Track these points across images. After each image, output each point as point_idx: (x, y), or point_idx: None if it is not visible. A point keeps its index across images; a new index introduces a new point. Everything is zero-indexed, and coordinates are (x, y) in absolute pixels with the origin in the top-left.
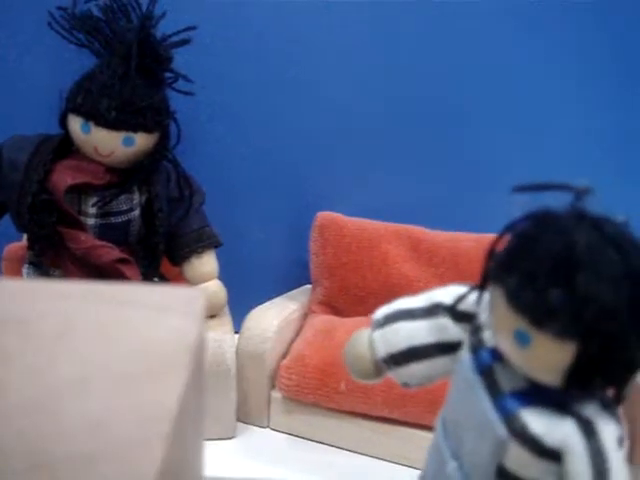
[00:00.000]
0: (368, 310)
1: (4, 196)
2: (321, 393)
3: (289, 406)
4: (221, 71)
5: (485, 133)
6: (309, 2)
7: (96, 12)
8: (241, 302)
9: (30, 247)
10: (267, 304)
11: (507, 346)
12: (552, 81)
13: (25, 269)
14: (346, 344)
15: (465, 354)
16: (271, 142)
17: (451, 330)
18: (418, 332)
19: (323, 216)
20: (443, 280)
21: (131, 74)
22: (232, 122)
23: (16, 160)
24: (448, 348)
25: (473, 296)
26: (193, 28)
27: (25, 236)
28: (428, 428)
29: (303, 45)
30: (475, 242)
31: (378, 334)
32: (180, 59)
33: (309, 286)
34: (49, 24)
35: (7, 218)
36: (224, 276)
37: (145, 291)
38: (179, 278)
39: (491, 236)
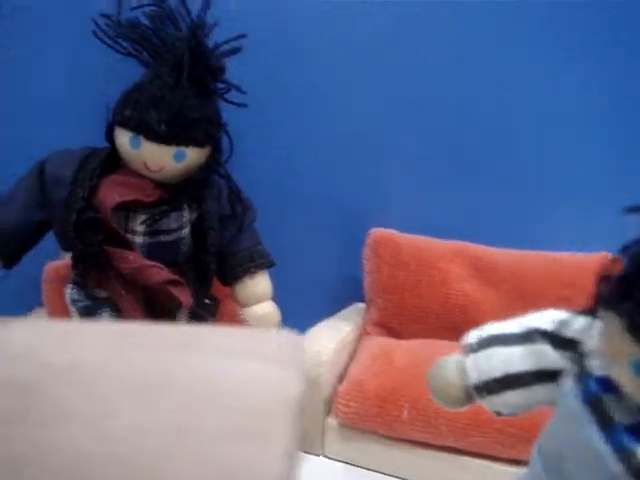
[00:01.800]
0: (426, 331)
1: (47, 214)
2: (381, 420)
3: (345, 433)
4: (271, 82)
5: (549, 148)
6: (358, 15)
7: (143, 20)
8: (291, 322)
9: (74, 267)
10: (321, 325)
11: (623, 376)
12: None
13: (68, 290)
14: (431, 369)
15: (568, 383)
16: (322, 157)
17: (550, 357)
18: (514, 359)
19: (377, 233)
20: (506, 300)
21: (182, 84)
22: (283, 136)
23: (61, 176)
24: (547, 376)
25: (576, 322)
26: (243, 36)
27: (67, 254)
28: (495, 459)
29: (356, 62)
30: (540, 261)
31: (470, 360)
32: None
33: (361, 304)
34: (94, 32)
35: (47, 235)
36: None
37: (242, 337)
38: (229, 299)
39: (558, 255)
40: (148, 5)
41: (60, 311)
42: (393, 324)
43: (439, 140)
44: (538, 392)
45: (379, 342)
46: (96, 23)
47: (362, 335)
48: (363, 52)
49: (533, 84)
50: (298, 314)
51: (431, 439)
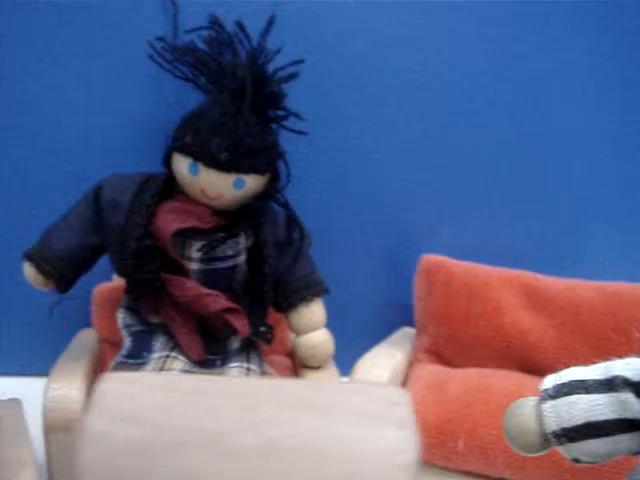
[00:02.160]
0: (478, 360)
1: (102, 238)
2: (436, 452)
3: None
4: (319, 108)
5: (604, 178)
6: (417, 39)
7: (199, 44)
8: (339, 346)
9: (127, 291)
10: (373, 352)
11: None
12: None
13: (121, 314)
14: (507, 413)
15: None
16: (372, 182)
17: (634, 406)
18: (596, 407)
19: (429, 259)
20: (561, 331)
21: (244, 112)
22: (333, 162)
23: (119, 201)
24: (632, 426)
25: None
26: (301, 62)
27: (115, 276)
28: None
29: (408, 93)
30: (597, 291)
31: (549, 406)
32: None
33: (407, 329)
34: (150, 56)
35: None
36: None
37: (346, 393)
38: (281, 325)
39: (613, 285)
40: (204, 28)
41: (110, 334)
42: (445, 352)
43: (490, 165)
44: (622, 441)
45: (431, 370)
46: (152, 46)
47: (413, 362)
48: (414, 84)
49: (588, 112)
50: (344, 337)
51: (487, 471)
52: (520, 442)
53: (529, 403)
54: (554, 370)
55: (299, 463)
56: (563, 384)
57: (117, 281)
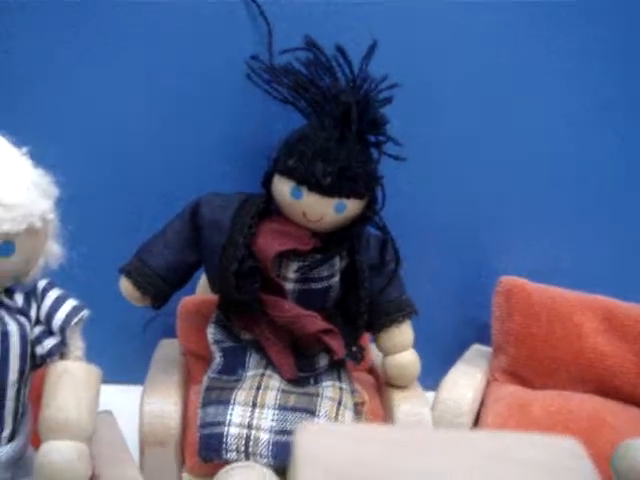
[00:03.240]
0: (559, 383)
1: (199, 255)
2: None
3: None
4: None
5: None
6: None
7: (296, 65)
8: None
9: (221, 308)
10: (454, 371)
11: None
12: None
13: (211, 329)
14: (616, 454)
15: None
16: (452, 205)
17: None
18: None
19: (509, 281)
20: (637, 357)
21: (349, 138)
22: (414, 183)
23: (218, 220)
24: None
25: None
26: (395, 86)
27: (199, 287)
28: None
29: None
30: None
31: None
32: None
33: (480, 346)
34: (247, 76)
35: None
36: None
37: (525, 441)
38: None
39: None
40: (300, 49)
41: (196, 347)
42: (525, 373)
43: (568, 188)
44: None
45: (511, 391)
46: (249, 66)
47: (490, 381)
48: (490, 109)
49: None
50: (419, 352)
51: None
52: None
53: (638, 444)
54: (632, 395)
55: None
56: None
57: (202, 294)
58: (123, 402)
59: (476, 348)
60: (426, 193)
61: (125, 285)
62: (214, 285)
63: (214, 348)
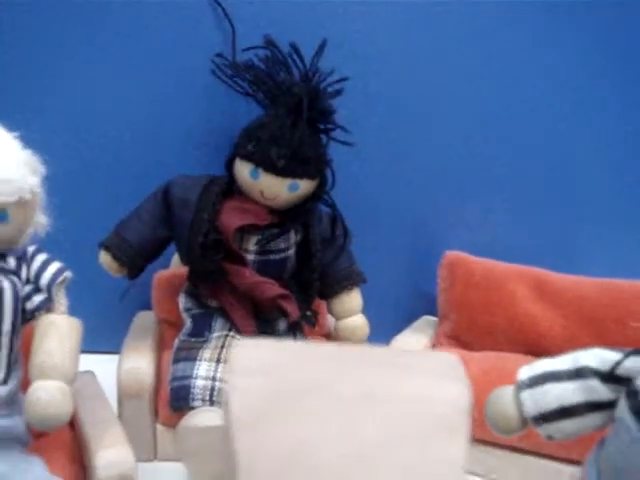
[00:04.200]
0: (496, 345)
1: (170, 231)
2: None
3: None
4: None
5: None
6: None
7: (256, 62)
8: (371, 331)
9: (190, 278)
10: (401, 337)
11: None
12: None
13: (182, 298)
14: (488, 401)
15: (625, 415)
16: (401, 188)
17: (600, 391)
18: (567, 393)
19: (452, 255)
20: (567, 321)
21: (301, 126)
22: (363, 164)
23: (187, 199)
24: (598, 406)
25: (628, 361)
26: (345, 79)
27: (172, 263)
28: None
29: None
30: (600, 287)
31: (526, 394)
32: None
33: (428, 317)
34: (213, 72)
35: None
36: None
37: (416, 356)
38: (319, 310)
39: (615, 282)
40: (259, 47)
41: (168, 315)
42: (465, 337)
43: (506, 171)
44: (593, 420)
45: (452, 353)
46: (214, 62)
47: (435, 345)
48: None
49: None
50: (372, 323)
51: (496, 439)
52: (501, 427)
53: (507, 392)
54: (560, 354)
55: (388, 406)
56: (537, 375)
57: (175, 269)
58: (103, 369)
59: (425, 318)
60: (377, 176)
61: (104, 257)
62: (183, 257)
63: (184, 315)
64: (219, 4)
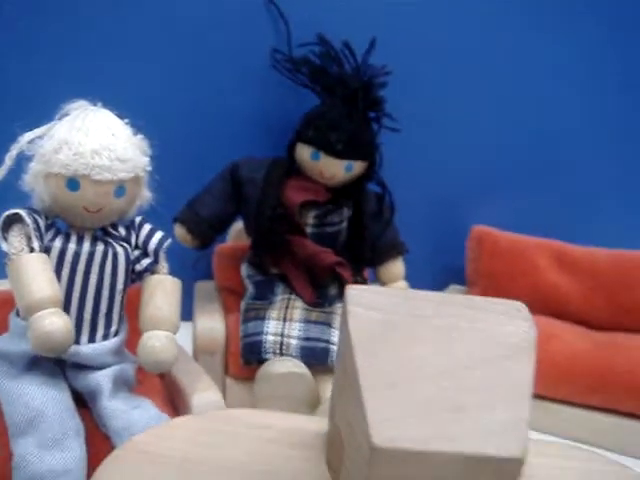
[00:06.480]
0: None
1: (237, 207)
2: None
3: None
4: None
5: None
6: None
7: (311, 57)
8: None
9: (254, 249)
10: None
11: None
12: None
13: (244, 266)
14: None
15: None
16: (434, 170)
17: None
18: None
19: (479, 229)
20: (583, 287)
21: (356, 114)
22: (405, 148)
23: (254, 178)
24: None
25: None
26: (390, 73)
27: (229, 237)
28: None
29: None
30: (612, 256)
31: None
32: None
33: (456, 286)
34: (273, 66)
35: None
36: None
37: (490, 301)
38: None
39: (626, 252)
40: (313, 44)
41: (230, 284)
42: None
43: (529, 151)
44: None
45: None
46: (273, 58)
47: None
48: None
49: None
50: None
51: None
52: None
53: None
54: (579, 316)
55: (470, 334)
56: None
57: (232, 242)
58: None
59: (452, 287)
60: (417, 160)
61: (179, 231)
62: (249, 230)
63: (247, 282)
64: (274, 4)
